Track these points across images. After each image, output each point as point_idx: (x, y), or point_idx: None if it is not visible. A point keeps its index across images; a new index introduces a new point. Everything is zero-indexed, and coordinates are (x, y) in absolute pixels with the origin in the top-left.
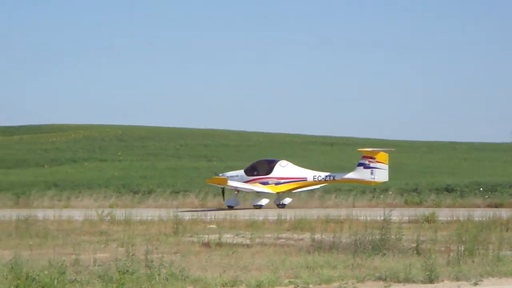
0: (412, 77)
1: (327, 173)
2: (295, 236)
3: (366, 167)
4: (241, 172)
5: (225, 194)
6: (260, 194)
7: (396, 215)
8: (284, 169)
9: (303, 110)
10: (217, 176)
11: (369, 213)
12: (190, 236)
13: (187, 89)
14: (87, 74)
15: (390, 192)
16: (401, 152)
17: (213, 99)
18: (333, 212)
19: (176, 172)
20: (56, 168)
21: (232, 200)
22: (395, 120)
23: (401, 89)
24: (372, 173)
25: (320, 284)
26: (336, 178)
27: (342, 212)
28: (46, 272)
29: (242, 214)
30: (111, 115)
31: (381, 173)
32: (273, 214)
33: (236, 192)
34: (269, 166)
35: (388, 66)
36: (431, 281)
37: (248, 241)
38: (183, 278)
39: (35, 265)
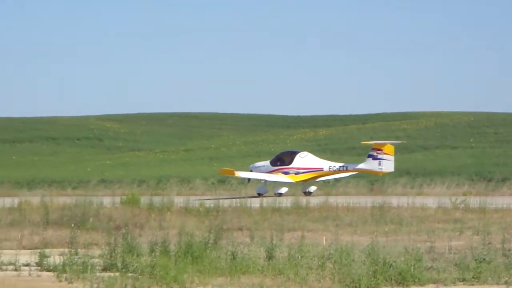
0: None
1: (341, 164)
2: None
3: (375, 158)
4: (267, 163)
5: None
6: (279, 183)
7: None
8: (304, 159)
9: None
10: (224, 168)
11: None
12: None
13: None
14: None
15: None
16: None
17: None
18: None
19: None
20: (407, 156)
21: (261, 188)
22: None
23: None
24: (379, 164)
25: None
26: (348, 168)
27: None
28: (402, 259)
29: None
30: (460, 102)
31: (387, 164)
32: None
33: (263, 181)
34: (291, 157)
35: None
36: None
37: None
38: None
39: (391, 252)
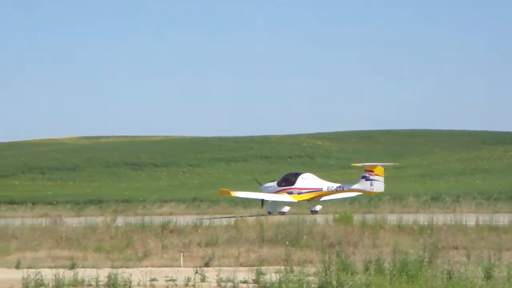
0: None
1: (338, 184)
2: None
3: (367, 179)
4: (274, 183)
5: (264, 203)
6: (282, 203)
7: None
8: (305, 180)
9: None
10: (223, 189)
11: None
12: None
13: None
14: None
15: None
16: None
17: None
18: None
19: None
20: None
21: (270, 207)
22: None
23: None
24: (371, 185)
25: None
26: (344, 188)
27: None
28: None
29: None
30: None
31: (378, 184)
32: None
33: (272, 201)
34: (295, 178)
35: None
36: None
37: None
38: None
39: None
